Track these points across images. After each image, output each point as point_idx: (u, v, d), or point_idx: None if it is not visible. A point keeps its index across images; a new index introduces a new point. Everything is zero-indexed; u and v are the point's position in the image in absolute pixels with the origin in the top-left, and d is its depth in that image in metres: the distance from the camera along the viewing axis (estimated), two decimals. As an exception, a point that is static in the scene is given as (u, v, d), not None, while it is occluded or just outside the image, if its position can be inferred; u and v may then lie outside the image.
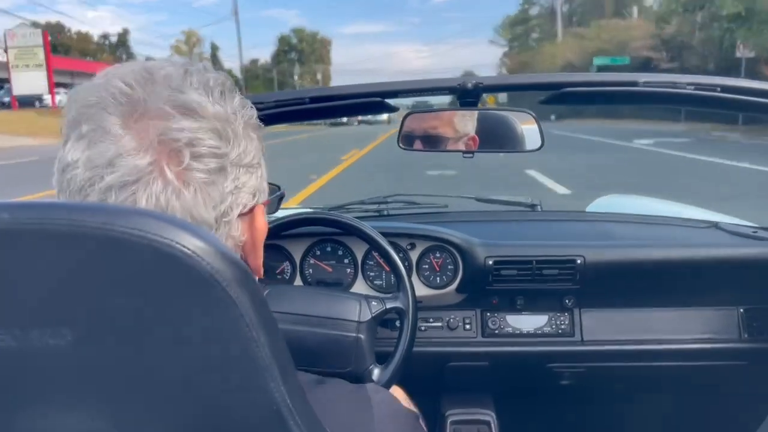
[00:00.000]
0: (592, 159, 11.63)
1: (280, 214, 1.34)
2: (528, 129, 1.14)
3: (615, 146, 15.00)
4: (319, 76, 75.49)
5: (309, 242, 1.45)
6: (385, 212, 1.76)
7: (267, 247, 1.59)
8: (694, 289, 1.45)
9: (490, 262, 1.40)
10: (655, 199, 2.34)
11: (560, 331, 1.46)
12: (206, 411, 0.39)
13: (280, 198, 0.69)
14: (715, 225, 1.56)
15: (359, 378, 1.05)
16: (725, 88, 0.94)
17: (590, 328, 1.46)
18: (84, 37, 53.63)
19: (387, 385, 1.04)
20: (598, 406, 1.66)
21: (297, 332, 1.06)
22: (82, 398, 0.39)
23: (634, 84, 0.98)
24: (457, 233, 1.44)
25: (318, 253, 1.46)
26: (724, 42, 21.92)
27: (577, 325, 1.46)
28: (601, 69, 32.39)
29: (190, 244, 0.36)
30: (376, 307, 1.09)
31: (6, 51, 29.07)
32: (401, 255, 1.40)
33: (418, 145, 1.19)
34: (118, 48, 55.01)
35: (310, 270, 1.45)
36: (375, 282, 1.44)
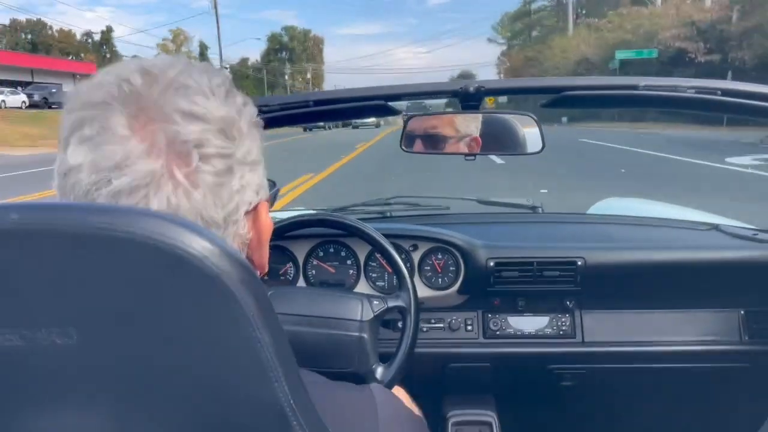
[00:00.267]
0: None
1: (284, 215, 1.35)
2: (529, 132, 1.14)
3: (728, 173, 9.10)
4: (308, 75, 72.49)
5: (312, 243, 1.46)
6: (388, 214, 1.76)
7: (270, 249, 1.59)
8: (694, 291, 1.45)
9: (492, 264, 1.41)
10: (656, 201, 2.34)
11: (561, 333, 1.46)
12: (211, 411, 0.40)
13: (276, 193, 0.69)
14: (716, 227, 1.56)
15: (363, 377, 1.05)
16: (726, 92, 0.94)
17: (591, 330, 1.46)
18: (66, 35, 51.37)
19: (390, 384, 1.05)
20: (599, 408, 1.66)
21: (300, 333, 1.06)
22: (88, 398, 0.39)
23: (635, 87, 0.98)
24: (458, 235, 1.45)
25: (321, 254, 1.46)
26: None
27: (578, 327, 1.46)
28: (625, 64, 29.03)
29: (196, 244, 0.36)
30: (378, 306, 1.09)
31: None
32: (403, 256, 1.41)
33: (419, 146, 1.19)
34: (102, 46, 53.09)
35: (313, 271, 1.46)
36: (377, 283, 1.45)
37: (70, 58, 46.94)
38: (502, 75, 56.94)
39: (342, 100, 1.08)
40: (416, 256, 1.45)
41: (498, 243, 1.46)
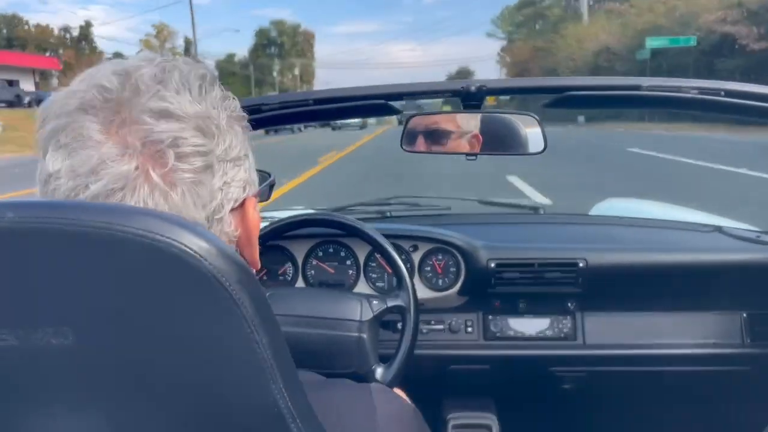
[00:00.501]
0: None
1: (283, 214, 1.35)
2: (531, 132, 1.13)
3: None
4: (296, 72, 69.57)
5: (311, 243, 1.45)
6: (388, 214, 1.76)
7: (269, 248, 1.59)
8: (696, 293, 1.45)
9: (493, 265, 1.40)
10: (658, 202, 2.34)
11: (562, 335, 1.45)
12: (207, 411, 0.39)
13: (272, 185, 0.68)
14: (719, 229, 1.55)
15: (363, 378, 1.05)
16: (729, 93, 0.94)
17: (592, 332, 1.45)
18: (43, 30, 49.12)
19: (391, 384, 1.04)
20: (600, 410, 1.65)
21: (300, 334, 1.06)
22: (84, 398, 0.39)
23: (638, 88, 0.98)
24: (459, 235, 1.44)
25: (320, 254, 1.46)
26: None
27: (579, 329, 1.46)
28: (657, 53, 25.76)
29: (193, 244, 0.36)
30: (378, 306, 1.09)
31: None
32: (403, 257, 1.40)
33: (421, 143, 1.18)
34: (80, 42, 50.91)
35: (313, 271, 1.45)
36: (377, 284, 1.44)
37: (47, 54, 45.09)
38: (505, 71, 54.32)
39: (343, 99, 1.07)
40: (416, 257, 1.45)
41: (499, 244, 1.45)
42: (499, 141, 1.15)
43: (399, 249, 1.41)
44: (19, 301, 0.36)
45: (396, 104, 1.10)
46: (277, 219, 1.28)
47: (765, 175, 7.85)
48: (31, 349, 0.37)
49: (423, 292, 1.41)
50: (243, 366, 0.38)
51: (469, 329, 1.47)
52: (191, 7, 36.27)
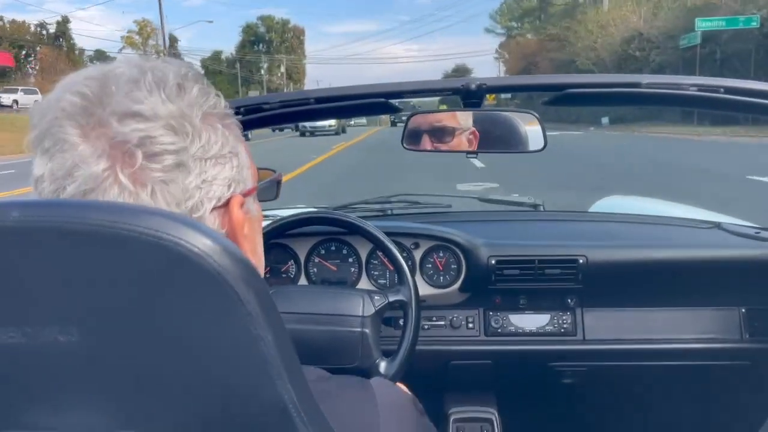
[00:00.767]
0: None
1: (285, 213, 1.35)
2: (531, 130, 1.14)
3: None
4: (282, 69, 66.00)
5: (314, 241, 1.46)
6: (389, 212, 1.76)
7: (272, 246, 1.59)
8: (696, 289, 1.45)
9: (493, 262, 1.41)
10: (658, 199, 2.34)
11: (563, 331, 1.46)
12: (213, 408, 0.40)
13: (278, 182, 0.68)
14: (718, 225, 1.56)
15: (366, 372, 1.06)
16: (728, 90, 0.94)
17: (592, 328, 1.46)
18: (19, 27, 46.17)
19: (394, 378, 1.06)
20: (600, 405, 1.66)
21: (303, 331, 1.07)
22: (90, 395, 0.39)
23: (637, 85, 0.98)
24: (460, 233, 1.45)
25: (323, 252, 1.46)
26: None
27: (579, 325, 1.46)
28: (709, 37, 20.82)
29: (198, 242, 0.36)
30: (379, 301, 1.10)
31: None
32: (405, 254, 1.41)
33: (425, 140, 1.19)
34: (58, 39, 48.27)
35: (315, 269, 1.46)
36: (379, 281, 1.45)
37: (23, 51, 43.53)
38: (504, 68, 50.45)
39: (343, 97, 1.08)
40: (417, 254, 1.46)
41: (499, 241, 1.46)
42: (499, 138, 1.16)
43: (400, 246, 1.41)
44: (25, 299, 0.37)
45: (392, 104, 1.10)
46: (279, 217, 1.28)
47: None
48: (38, 347, 0.37)
49: (424, 289, 1.41)
50: (248, 363, 0.39)
51: (470, 325, 1.48)
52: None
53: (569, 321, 1.46)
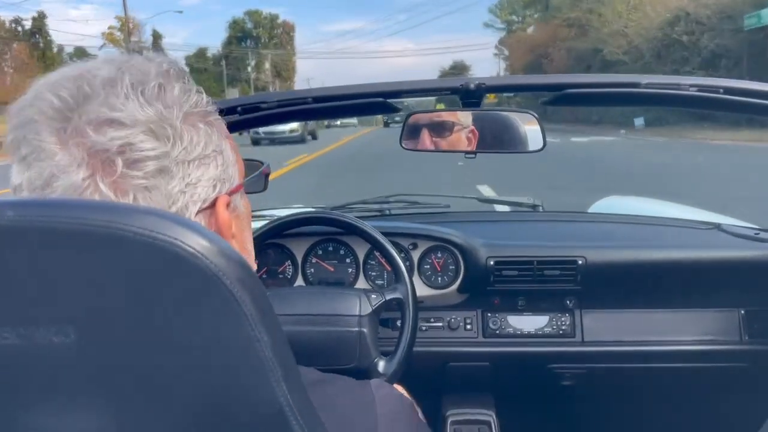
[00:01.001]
0: None
1: (282, 213, 1.35)
2: (530, 130, 1.14)
3: None
4: (266, 66, 63.06)
5: (311, 242, 1.45)
6: (387, 212, 1.76)
7: (269, 247, 1.59)
8: (695, 290, 1.45)
9: (492, 263, 1.41)
10: (657, 200, 2.34)
11: (561, 332, 1.46)
12: (208, 410, 0.39)
13: (266, 174, 0.66)
14: (717, 226, 1.56)
15: (365, 371, 1.06)
16: (728, 90, 0.94)
17: (591, 329, 1.46)
18: None
19: (394, 376, 1.06)
20: (598, 407, 1.66)
21: (301, 332, 1.07)
22: (85, 396, 0.39)
23: (636, 85, 0.98)
24: (458, 233, 1.45)
25: (320, 252, 1.46)
26: None
27: (578, 326, 1.46)
28: None
29: (193, 242, 0.36)
30: (376, 300, 1.10)
31: None
32: (403, 255, 1.41)
33: (424, 135, 1.18)
34: (34, 35, 45.99)
35: (312, 269, 1.46)
36: (376, 281, 1.44)
37: None
38: (505, 65, 47.38)
39: (341, 97, 1.07)
40: (416, 255, 1.45)
41: (498, 242, 1.46)
42: (497, 139, 1.16)
43: (398, 247, 1.41)
44: (20, 299, 0.36)
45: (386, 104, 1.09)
46: (276, 217, 1.28)
47: None
48: (32, 348, 0.37)
49: (422, 290, 1.41)
50: (244, 364, 0.38)
51: (469, 326, 1.48)
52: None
53: (568, 322, 1.46)
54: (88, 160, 0.45)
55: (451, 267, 1.45)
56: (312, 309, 1.10)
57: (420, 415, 0.70)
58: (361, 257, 1.45)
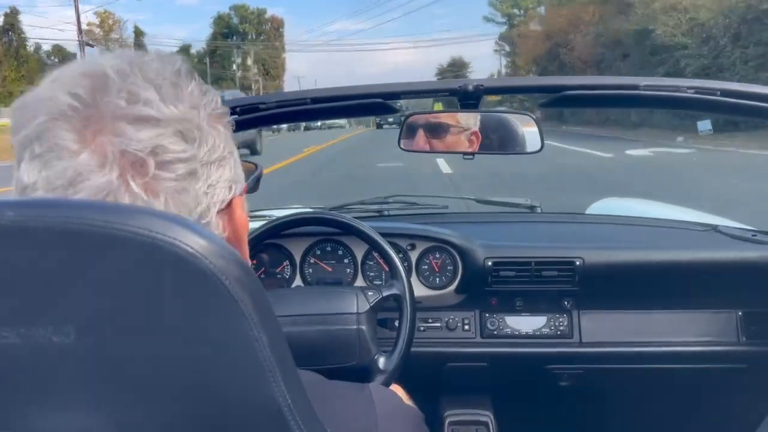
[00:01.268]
0: None
1: (281, 213, 1.35)
2: (528, 131, 1.14)
3: None
4: (249, 62, 59.17)
5: (309, 242, 1.45)
6: (386, 212, 1.76)
7: (267, 247, 1.59)
8: (692, 291, 1.45)
9: (490, 263, 1.41)
10: (655, 202, 2.35)
11: (559, 333, 1.46)
12: (208, 410, 0.39)
13: (259, 176, 0.66)
14: (715, 228, 1.56)
15: (366, 368, 1.06)
16: (725, 92, 0.95)
17: (589, 330, 1.46)
18: None
19: (395, 372, 1.06)
20: (596, 408, 1.66)
21: (300, 332, 1.07)
22: (84, 395, 0.39)
23: (635, 88, 0.98)
24: (456, 234, 1.45)
25: (318, 252, 1.46)
26: None
27: (575, 327, 1.46)
28: None
29: (193, 242, 0.36)
30: (373, 297, 1.11)
31: None
32: (401, 255, 1.41)
33: (421, 137, 1.19)
34: (7, 32, 43.47)
35: (310, 270, 1.46)
36: (375, 282, 1.45)
37: None
38: (507, 60, 43.75)
39: (340, 98, 1.08)
40: (414, 255, 1.45)
41: (496, 242, 1.46)
42: (496, 140, 1.16)
43: (396, 247, 1.41)
44: (20, 299, 0.36)
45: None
46: (274, 218, 1.28)
47: None
48: (32, 347, 0.37)
49: (420, 290, 1.41)
50: (243, 364, 0.38)
51: (467, 327, 1.48)
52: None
53: (566, 323, 1.46)
54: (119, 161, 0.44)
55: (449, 267, 1.45)
56: (310, 309, 1.10)
57: (421, 420, 0.70)
58: (359, 257, 1.45)
